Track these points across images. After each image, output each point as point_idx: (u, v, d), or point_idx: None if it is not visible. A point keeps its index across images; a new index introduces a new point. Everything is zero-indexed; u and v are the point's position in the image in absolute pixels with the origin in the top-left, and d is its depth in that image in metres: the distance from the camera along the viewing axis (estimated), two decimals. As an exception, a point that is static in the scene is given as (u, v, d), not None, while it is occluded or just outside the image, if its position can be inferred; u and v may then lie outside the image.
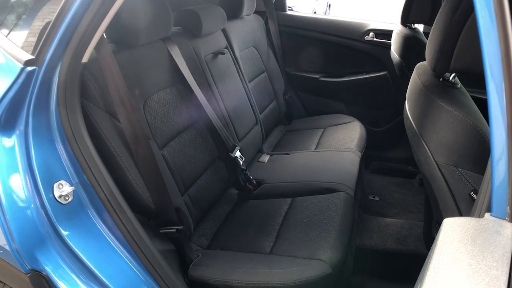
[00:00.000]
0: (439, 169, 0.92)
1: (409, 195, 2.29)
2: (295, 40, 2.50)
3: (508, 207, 0.50)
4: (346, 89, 2.48)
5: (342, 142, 2.09)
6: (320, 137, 2.24)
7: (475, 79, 1.00)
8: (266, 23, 2.42)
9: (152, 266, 1.13)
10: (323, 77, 2.51)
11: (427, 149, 0.95)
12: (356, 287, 1.63)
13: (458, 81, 1.03)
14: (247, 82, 2.05)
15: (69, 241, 1.07)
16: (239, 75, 1.97)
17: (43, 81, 1.01)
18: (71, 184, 1.09)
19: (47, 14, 1.00)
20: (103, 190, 1.09)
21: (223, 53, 1.80)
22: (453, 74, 0.98)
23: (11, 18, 1.11)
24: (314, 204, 1.57)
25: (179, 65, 1.52)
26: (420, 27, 1.93)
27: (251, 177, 1.79)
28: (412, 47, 1.68)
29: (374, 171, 2.50)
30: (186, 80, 1.54)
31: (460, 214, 0.93)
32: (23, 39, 1.05)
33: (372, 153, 2.40)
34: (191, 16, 1.65)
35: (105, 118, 1.16)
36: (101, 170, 1.10)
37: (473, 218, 0.53)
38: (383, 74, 2.36)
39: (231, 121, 1.80)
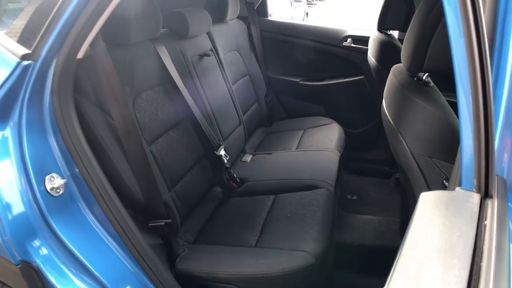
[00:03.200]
0: (415, 159, 1.01)
1: (385, 194, 2.40)
2: (276, 45, 2.58)
3: (474, 180, 0.58)
4: (325, 92, 2.57)
5: (322, 143, 2.18)
6: (301, 138, 2.32)
7: (444, 82, 1.10)
8: (249, 28, 2.49)
9: (142, 258, 1.16)
10: (303, 80, 2.60)
11: (403, 142, 1.04)
12: (336, 280, 1.70)
13: (430, 80, 1.12)
14: (231, 84, 2.11)
15: (60, 233, 1.09)
16: (223, 77, 2.03)
17: (38, 75, 1.03)
18: (63, 177, 1.11)
19: (44, 9, 1.02)
20: (94, 183, 1.12)
21: (208, 55, 1.86)
22: (426, 74, 1.08)
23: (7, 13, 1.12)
24: (297, 200, 1.64)
25: (166, 65, 1.56)
26: (394, 33, 2.05)
27: (235, 175, 1.84)
28: (388, 51, 1.79)
29: (352, 171, 2.59)
30: (173, 80, 1.58)
31: (433, 201, 1.01)
32: (20, 34, 1.07)
33: (350, 154, 2.49)
34: (179, 18, 1.69)
35: (97, 113, 1.18)
36: (92, 163, 1.13)
37: (445, 191, 0.60)
38: (360, 78, 2.47)
39: (216, 120, 1.85)
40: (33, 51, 1.01)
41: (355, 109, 2.57)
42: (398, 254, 0.49)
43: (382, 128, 2.53)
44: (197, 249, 1.43)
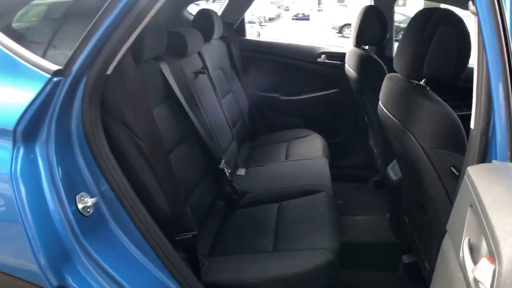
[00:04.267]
0: (425, 152, 1.14)
1: (367, 196, 2.55)
2: (255, 63, 2.70)
3: (508, 152, 0.71)
4: (303, 105, 2.73)
5: (309, 152, 2.29)
6: (287, 149, 2.43)
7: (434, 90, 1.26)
8: (228, 47, 2.59)
9: (179, 272, 1.16)
10: (282, 95, 2.74)
11: (412, 137, 1.17)
12: (348, 279, 1.78)
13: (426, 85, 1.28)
14: (221, 100, 2.18)
15: (95, 255, 1.06)
16: (215, 94, 2.09)
17: (68, 91, 1.03)
18: (92, 196, 1.10)
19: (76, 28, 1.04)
20: (127, 199, 1.12)
21: (203, 73, 1.92)
22: (424, 79, 1.23)
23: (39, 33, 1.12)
24: (301, 205, 1.72)
25: (170, 82, 1.60)
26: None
27: (236, 188, 1.88)
28: (368, 65, 1.97)
29: (333, 178, 2.73)
30: (177, 97, 1.62)
31: (443, 186, 1.15)
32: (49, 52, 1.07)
33: (329, 162, 2.64)
34: (177, 37, 1.75)
35: (121, 129, 1.19)
36: (122, 179, 1.13)
37: (488, 164, 0.72)
38: (334, 91, 2.65)
39: (215, 135, 1.90)
40: (65, 67, 1.02)
41: (331, 120, 2.75)
42: (489, 223, 0.54)
43: (357, 136, 2.74)
44: (217, 261, 1.45)
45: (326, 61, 2.60)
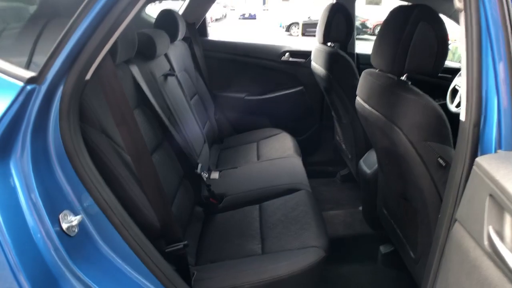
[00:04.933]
0: (413, 145, 1.18)
1: (335, 191, 2.62)
2: (219, 63, 2.65)
3: None
4: (269, 105, 2.73)
5: (281, 151, 2.30)
6: (257, 149, 2.41)
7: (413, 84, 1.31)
8: (191, 48, 2.52)
9: (174, 285, 1.10)
10: (248, 96, 2.71)
11: (400, 132, 1.21)
12: (330, 274, 1.81)
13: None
14: (191, 103, 2.11)
15: (85, 278, 0.97)
16: (185, 97, 2.02)
17: (43, 100, 0.93)
18: (76, 213, 1.00)
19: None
20: (115, 214, 1.03)
21: (172, 75, 1.84)
22: (405, 74, 1.27)
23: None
24: (283, 205, 1.71)
25: (142, 86, 1.51)
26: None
27: (214, 192, 1.83)
28: (336, 61, 2.01)
29: None
30: (150, 101, 1.53)
31: (431, 177, 1.20)
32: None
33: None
34: (145, 39, 1.65)
35: (104, 140, 1.10)
36: (108, 193, 1.05)
37: (496, 154, 0.76)
38: (299, 89, 2.68)
39: (190, 140, 1.83)
40: (40, 74, 0.91)
41: (297, 118, 2.78)
42: None
43: (322, 132, 2.79)
44: (207, 269, 1.39)
45: (291, 59, 2.62)
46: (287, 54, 2.62)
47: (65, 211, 0.98)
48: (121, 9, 0.93)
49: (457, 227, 0.79)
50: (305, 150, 2.80)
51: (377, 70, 1.41)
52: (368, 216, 2.09)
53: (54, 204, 0.96)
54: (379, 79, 1.34)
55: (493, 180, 0.66)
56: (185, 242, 1.24)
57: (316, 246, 1.40)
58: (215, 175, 2.12)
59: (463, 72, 0.97)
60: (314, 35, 2.24)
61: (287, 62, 2.63)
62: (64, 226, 0.96)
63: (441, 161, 1.18)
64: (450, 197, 1.04)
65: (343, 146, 2.46)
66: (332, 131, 2.72)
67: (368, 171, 1.97)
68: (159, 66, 1.81)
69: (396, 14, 1.25)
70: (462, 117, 0.98)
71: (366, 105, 1.41)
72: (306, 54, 2.60)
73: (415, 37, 1.18)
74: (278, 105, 2.72)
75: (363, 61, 2.61)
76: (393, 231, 1.68)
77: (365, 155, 2.11)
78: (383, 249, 1.95)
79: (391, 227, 1.69)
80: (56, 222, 0.95)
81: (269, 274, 1.28)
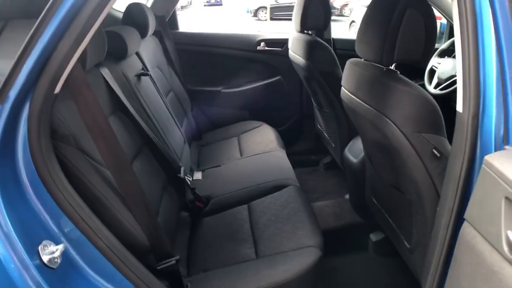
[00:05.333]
0: (406, 137, 1.15)
1: (320, 180, 2.60)
2: (192, 56, 2.54)
3: None
4: (247, 97, 2.65)
5: (264, 145, 2.24)
6: (239, 144, 2.34)
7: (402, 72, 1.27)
8: (162, 42, 2.38)
9: None
10: (224, 88, 2.62)
11: (393, 124, 1.17)
12: (324, 268, 1.78)
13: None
14: (167, 102, 2.00)
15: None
16: (160, 96, 1.91)
17: (7, 122, 0.82)
18: (57, 242, 0.91)
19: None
20: (101, 239, 0.95)
21: (146, 74, 1.72)
22: (394, 64, 1.23)
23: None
24: (273, 203, 1.66)
25: (115, 90, 1.40)
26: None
27: (200, 195, 1.75)
28: (315, 49, 1.95)
29: None
30: (125, 106, 1.43)
31: (426, 168, 1.17)
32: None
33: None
34: (115, 38, 1.52)
35: (79, 157, 1.00)
36: (91, 216, 0.96)
37: (505, 151, 0.73)
38: (277, 79, 2.62)
39: (170, 142, 1.74)
40: (0, 92, 0.81)
41: (277, 108, 2.72)
42: None
43: (303, 121, 2.75)
44: (201, 279, 1.33)
45: (266, 48, 2.54)
46: (262, 43, 2.53)
47: (45, 242, 0.88)
48: (94, 6, 0.83)
49: (466, 227, 0.76)
50: (286, 140, 2.75)
51: (362, 60, 1.36)
52: (356, 205, 2.08)
53: (31, 236, 0.86)
54: (367, 69, 1.30)
55: (509, 182, 0.63)
56: (177, 257, 1.17)
57: (312, 245, 1.36)
58: (198, 175, 2.04)
59: (459, 62, 0.93)
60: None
61: (263, 51, 2.55)
62: (45, 258, 0.87)
63: (435, 152, 1.15)
64: (449, 190, 1.01)
65: (326, 134, 2.43)
66: (313, 120, 2.68)
67: (354, 160, 1.95)
68: (131, 66, 1.69)
69: (377, 2, 1.19)
70: (460, 108, 0.95)
71: (354, 97, 1.36)
72: (282, 43, 2.53)
73: (403, 25, 1.13)
74: (257, 97, 2.65)
75: (339, 46, 2.57)
76: (384, 220, 1.67)
77: (350, 143, 2.08)
78: (373, 237, 1.95)
79: (382, 216, 1.68)
80: (35, 255, 0.86)
81: (266, 280, 1.23)
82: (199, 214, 1.74)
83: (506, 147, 0.75)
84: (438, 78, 2.07)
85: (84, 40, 0.86)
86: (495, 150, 0.89)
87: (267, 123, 2.53)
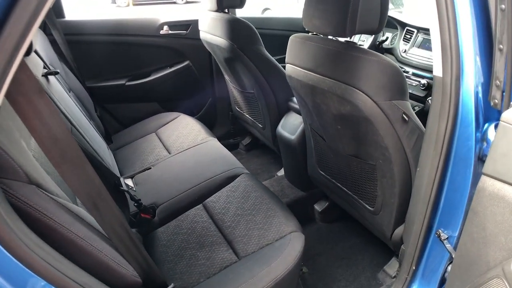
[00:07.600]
0: (379, 106, 1.18)
1: (245, 162, 2.56)
2: (86, 48, 2.13)
3: None
4: (155, 87, 2.39)
5: (192, 137, 2.06)
6: (161, 141, 2.11)
7: None
8: (49, 35, 1.93)
9: None
10: (129, 81, 2.31)
11: (364, 95, 1.18)
12: None
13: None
14: (77, 103, 1.64)
15: None
16: (70, 97, 1.55)
17: None
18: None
19: None
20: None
21: (57, 73, 1.36)
22: (354, 36, 1.23)
23: None
24: (231, 196, 1.56)
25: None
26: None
27: (146, 206, 1.52)
28: (238, 28, 1.84)
29: None
30: None
31: (396, 133, 1.23)
32: None
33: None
34: None
35: (37, 194, 0.72)
36: (69, 266, 0.72)
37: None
38: (186, 64, 2.43)
39: (98, 151, 1.44)
40: None
41: (189, 95, 2.54)
42: None
43: (218, 105, 2.64)
44: (188, 300, 1.17)
45: (170, 32, 2.31)
46: (165, 27, 2.29)
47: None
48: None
49: (488, 181, 0.81)
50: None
51: (315, 34, 1.33)
52: (295, 180, 2.11)
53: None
54: (326, 44, 1.27)
55: None
56: (172, 285, 0.99)
57: (293, 230, 1.32)
58: (129, 182, 1.77)
59: (435, 27, 0.98)
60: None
61: (167, 35, 2.31)
62: None
63: (404, 116, 1.22)
64: (430, 150, 1.08)
65: (248, 116, 2.37)
66: (225, 103, 2.60)
67: (292, 136, 1.96)
68: (36, 65, 1.31)
69: None
70: (439, 73, 1.00)
71: (312, 73, 1.33)
72: (187, 25, 2.33)
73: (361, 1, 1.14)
74: (166, 86, 2.42)
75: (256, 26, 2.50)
76: (334, 189, 1.73)
77: (282, 121, 2.08)
78: (318, 207, 2.02)
79: (331, 185, 1.73)
80: None
81: (264, 279, 1.15)
82: (148, 228, 1.51)
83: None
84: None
85: (31, 29, 0.61)
86: (475, 110, 0.98)
87: (182, 113, 2.34)
